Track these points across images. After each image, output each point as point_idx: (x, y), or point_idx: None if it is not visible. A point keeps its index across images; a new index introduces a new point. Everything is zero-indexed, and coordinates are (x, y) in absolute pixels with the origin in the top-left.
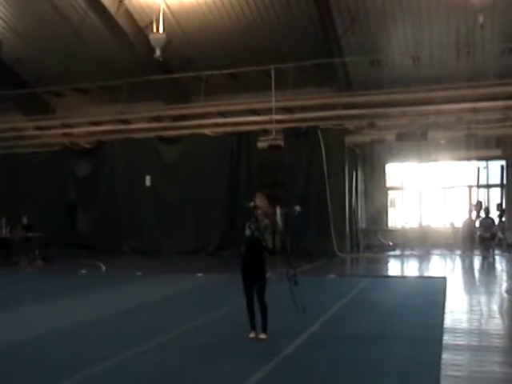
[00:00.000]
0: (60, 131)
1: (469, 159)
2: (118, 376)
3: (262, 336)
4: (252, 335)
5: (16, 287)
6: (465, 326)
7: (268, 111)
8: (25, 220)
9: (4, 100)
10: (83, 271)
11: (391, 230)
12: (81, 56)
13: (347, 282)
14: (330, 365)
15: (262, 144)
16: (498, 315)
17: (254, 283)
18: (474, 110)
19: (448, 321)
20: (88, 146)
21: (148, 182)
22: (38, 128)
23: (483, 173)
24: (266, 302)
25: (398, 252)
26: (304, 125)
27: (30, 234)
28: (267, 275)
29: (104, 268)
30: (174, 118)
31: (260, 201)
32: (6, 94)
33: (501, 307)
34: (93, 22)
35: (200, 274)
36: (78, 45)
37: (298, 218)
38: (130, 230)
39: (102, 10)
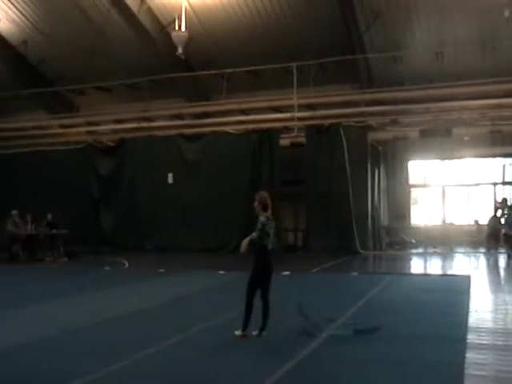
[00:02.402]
0: (83, 129)
1: (494, 156)
2: (138, 373)
3: (264, 333)
4: (242, 333)
5: (41, 283)
6: (489, 325)
7: (290, 108)
8: (49, 217)
9: (29, 99)
10: (106, 268)
11: (414, 228)
12: (104, 54)
13: (369, 280)
14: (351, 363)
15: (284, 141)
16: None
17: (269, 278)
18: (499, 106)
19: (472, 320)
20: (111, 143)
21: (170, 180)
22: (62, 126)
23: (509, 170)
24: None
25: (420, 250)
26: (326, 122)
27: (55, 231)
28: None
29: (127, 265)
30: (196, 116)
31: (259, 196)
32: (31, 93)
33: None
34: (116, 20)
35: (222, 272)
36: (101, 43)
37: (320, 215)
38: (152, 227)
39: (124, 9)
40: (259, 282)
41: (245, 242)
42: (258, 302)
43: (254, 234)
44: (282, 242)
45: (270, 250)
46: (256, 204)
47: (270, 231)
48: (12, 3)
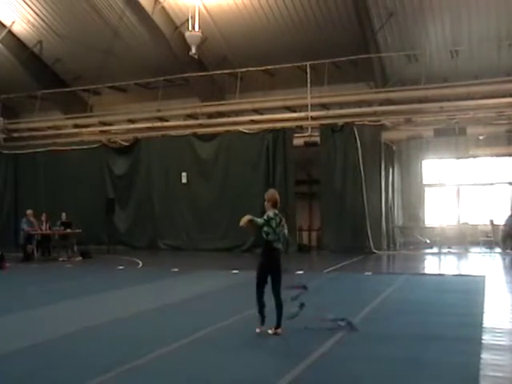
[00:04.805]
0: (98, 129)
1: (510, 155)
2: (153, 372)
3: (279, 331)
4: (259, 330)
5: (56, 282)
6: (505, 325)
7: (304, 108)
8: (64, 216)
9: (44, 99)
10: (120, 267)
11: (428, 228)
12: (118, 55)
13: (383, 280)
14: (366, 363)
15: (298, 141)
16: None
17: (277, 276)
18: None
19: (487, 320)
20: (125, 143)
21: (184, 179)
22: (76, 126)
23: None
24: None
25: (435, 250)
26: (340, 121)
27: (69, 231)
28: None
29: (141, 264)
30: (210, 115)
31: (268, 194)
32: (46, 93)
33: None
34: (130, 21)
35: (236, 271)
36: (115, 44)
37: (334, 214)
38: (166, 227)
39: (139, 10)
40: (265, 275)
41: (246, 217)
42: (270, 300)
43: (259, 219)
44: (296, 243)
45: (277, 248)
46: (266, 203)
47: (276, 229)
48: (27, 4)
